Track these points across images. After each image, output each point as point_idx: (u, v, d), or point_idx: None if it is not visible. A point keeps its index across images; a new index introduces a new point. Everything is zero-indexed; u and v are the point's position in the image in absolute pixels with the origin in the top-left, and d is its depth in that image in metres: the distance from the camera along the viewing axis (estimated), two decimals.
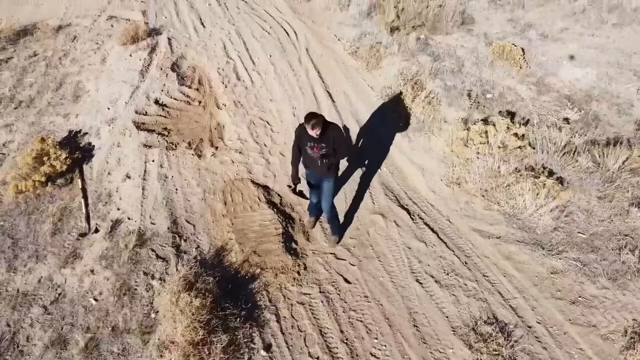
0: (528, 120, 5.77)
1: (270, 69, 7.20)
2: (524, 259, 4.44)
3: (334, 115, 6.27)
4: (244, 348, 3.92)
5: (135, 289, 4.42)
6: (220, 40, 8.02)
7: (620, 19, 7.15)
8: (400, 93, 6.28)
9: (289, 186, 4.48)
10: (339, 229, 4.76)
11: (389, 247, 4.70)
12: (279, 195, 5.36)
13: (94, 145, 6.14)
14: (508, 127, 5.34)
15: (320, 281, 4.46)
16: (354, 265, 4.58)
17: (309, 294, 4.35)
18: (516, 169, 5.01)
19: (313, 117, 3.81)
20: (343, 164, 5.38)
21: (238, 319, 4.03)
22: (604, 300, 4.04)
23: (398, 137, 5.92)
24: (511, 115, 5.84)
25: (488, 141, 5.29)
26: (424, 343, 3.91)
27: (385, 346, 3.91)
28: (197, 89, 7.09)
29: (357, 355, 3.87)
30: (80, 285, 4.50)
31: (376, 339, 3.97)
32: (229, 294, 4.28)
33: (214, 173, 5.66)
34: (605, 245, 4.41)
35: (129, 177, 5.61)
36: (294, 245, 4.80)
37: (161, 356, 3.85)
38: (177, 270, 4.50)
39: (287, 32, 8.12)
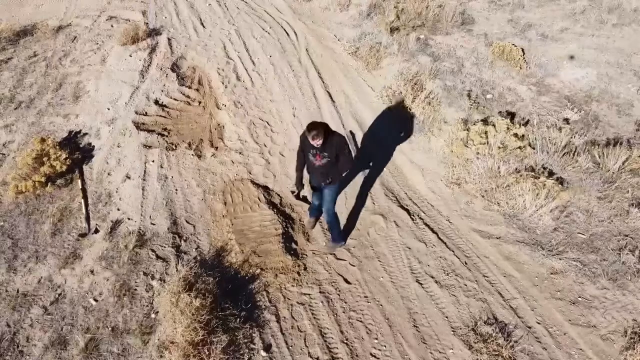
0: (528, 120, 5.77)
1: (270, 69, 7.20)
2: (524, 260, 4.44)
3: (334, 116, 6.28)
4: (244, 348, 3.92)
5: (135, 290, 4.42)
6: (220, 40, 8.02)
7: (620, 19, 7.15)
8: (400, 93, 6.28)
9: (293, 192, 4.47)
10: (340, 237, 4.71)
11: (389, 247, 4.70)
12: (278, 195, 5.36)
13: (93, 146, 6.14)
14: (508, 128, 5.34)
15: (320, 281, 4.46)
16: (354, 265, 4.58)
17: (309, 295, 4.35)
18: (516, 169, 5.01)
19: (314, 128, 3.79)
20: None
21: (238, 320, 4.03)
22: (604, 301, 4.04)
23: (398, 137, 5.91)
24: (511, 115, 5.84)
25: (488, 142, 5.30)
26: (424, 343, 3.91)
27: (385, 346, 3.91)
28: (197, 90, 7.09)
29: (357, 355, 3.87)
30: (80, 285, 4.50)
31: (376, 339, 3.97)
32: (229, 294, 4.28)
33: (214, 173, 5.66)
34: (605, 246, 4.41)
35: (129, 178, 5.61)
36: (294, 245, 4.80)
37: (161, 356, 3.85)
38: (177, 270, 4.50)
39: (287, 33, 8.13)
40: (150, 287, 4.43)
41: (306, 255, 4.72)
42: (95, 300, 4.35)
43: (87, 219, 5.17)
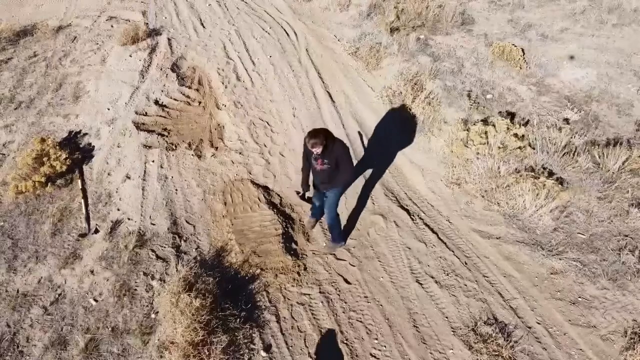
0: (528, 120, 5.77)
1: (270, 70, 7.20)
2: (524, 260, 4.44)
3: (334, 116, 6.28)
4: (244, 349, 3.92)
5: (135, 290, 4.42)
6: (220, 40, 8.02)
7: (620, 19, 7.15)
8: (400, 93, 6.28)
9: (297, 192, 4.47)
10: (340, 237, 4.71)
11: (389, 247, 4.70)
12: (279, 195, 5.36)
13: (93, 146, 6.14)
14: (508, 128, 5.34)
15: (320, 282, 4.46)
16: (354, 265, 4.58)
17: (309, 295, 4.35)
18: (516, 169, 5.01)
19: (313, 137, 3.79)
20: None
21: (238, 320, 4.03)
22: (603, 301, 4.04)
23: (398, 137, 5.92)
24: (511, 115, 5.84)
25: (488, 142, 5.30)
26: (424, 343, 3.91)
27: (385, 347, 3.91)
28: (197, 90, 7.09)
29: (357, 355, 3.87)
30: (80, 285, 4.50)
31: (376, 339, 3.97)
32: (229, 294, 4.28)
33: (214, 174, 5.66)
34: (605, 246, 4.41)
35: (129, 178, 5.61)
36: (294, 245, 4.80)
37: (161, 357, 3.85)
38: (177, 270, 4.50)
39: (287, 33, 8.13)
40: (150, 287, 4.43)
41: (306, 255, 4.72)
42: (95, 301, 4.35)
43: (87, 219, 5.17)
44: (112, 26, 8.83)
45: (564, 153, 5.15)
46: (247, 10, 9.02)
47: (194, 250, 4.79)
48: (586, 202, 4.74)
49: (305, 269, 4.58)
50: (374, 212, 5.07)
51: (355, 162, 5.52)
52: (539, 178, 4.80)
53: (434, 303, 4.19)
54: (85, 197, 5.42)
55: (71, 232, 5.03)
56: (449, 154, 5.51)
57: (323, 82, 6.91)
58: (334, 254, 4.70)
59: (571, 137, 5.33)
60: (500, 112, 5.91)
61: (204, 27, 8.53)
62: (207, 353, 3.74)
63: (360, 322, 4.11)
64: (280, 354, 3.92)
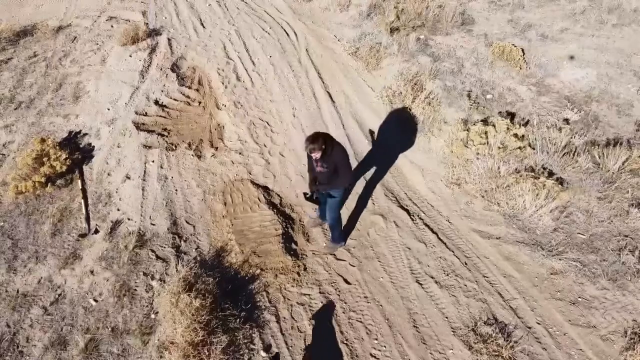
0: (528, 120, 5.77)
1: (270, 70, 7.20)
2: (524, 260, 4.44)
3: (334, 116, 6.28)
4: (244, 349, 3.92)
5: (135, 290, 4.42)
6: (220, 40, 8.02)
7: (620, 19, 7.15)
8: (400, 94, 6.28)
9: (305, 194, 4.46)
10: (340, 237, 4.71)
11: (388, 247, 4.70)
12: (278, 195, 5.36)
13: (93, 146, 6.14)
14: (508, 128, 5.34)
15: (320, 282, 4.46)
16: (353, 266, 4.58)
17: (309, 295, 4.35)
18: (516, 169, 5.01)
19: (311, 142, 3.81)
20: None
21: (238, 320, 4.03)
22: (603, 301, 4.04)
23: (398, 137, 5.91)
24: (511, 115, 5.84)
25: (488, 142, 5.30)
26: (424, 344, 3.91)
27: (385, 347, 3.91)
28: (197, 90, 7.09)
29: (357, 356, 3.87)
30: (80, 286, 4.50)
31: (376, 339, 3.97)
32: (228, 294, 4.28)
33: (214, 174, 5.66)
34: (605, 246, 4.41)
35: (129, 178, 5.61)
36: (293, 246, 4.80)
37: (161, 357, 3.85)
38: (177, 271, 4.50)
39: (287, 33, 8.13)
40: (150, 287, 4.43)
41: (306, 255, 4.72)
42: (95, 301, 4.35)
43: (87, 219, 5.17)
44: (112, 26, 8.83)
45: (564, 153, 5.15)
46: (247, 10, 9.02)
47: (193, 250, 4.79)
48: (586, 202, 4.74)
49: (305, 269, 4.58)
50: (374, 212, 5.06)
51: (356, 162, 5.53)
52: (539, 178, 4.80)
53: (434, 303, 4.19)
54: (85, 197, 5.42)
55: (71, 233, 5.03)
56: (449, 154, 5.51)
57: (323, 82, 6.91)
58: (334, 254, 4.70)
59: (571, 137, 5.33)
60: (500, 112, 5.91)
61: (204, 27, 8.53)
62: (207, 353, 3.74)
63: (360, 322, 4.11)
64: (280, 354, 3.92)
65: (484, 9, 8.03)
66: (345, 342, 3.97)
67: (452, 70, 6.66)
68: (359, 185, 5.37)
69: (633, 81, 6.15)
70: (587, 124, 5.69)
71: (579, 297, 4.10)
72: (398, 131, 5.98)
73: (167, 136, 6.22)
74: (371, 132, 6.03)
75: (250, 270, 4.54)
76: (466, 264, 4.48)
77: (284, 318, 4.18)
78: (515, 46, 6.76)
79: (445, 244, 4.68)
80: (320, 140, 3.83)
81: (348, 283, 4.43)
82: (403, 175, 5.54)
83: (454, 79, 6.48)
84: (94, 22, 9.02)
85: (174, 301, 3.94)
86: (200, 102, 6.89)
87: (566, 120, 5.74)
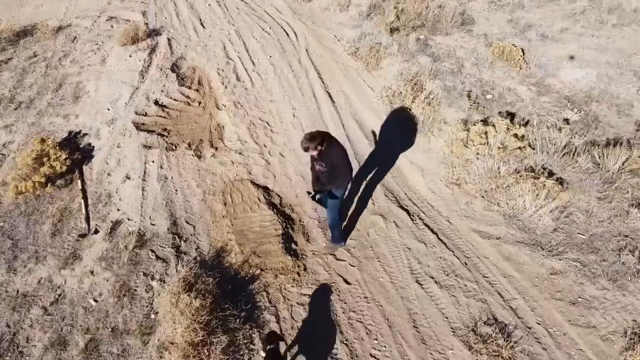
0: (528, 121, 5.77)
1: (270, 70, 7.20)
2: (524, 260, 4.44)
3: (334, 116, 6.28)
4: (244, 349, 3.92)
5: (135, 290, 4.42)
6: (220, 41, 8.02)
7: (620, 19, 7.15)
8: (400, 94, 6.28)
9: (309, 192, 4.46)
10: (340, 237, 4.71)
11: (388, 248, 4.70)
12: (278, 196, 5.36)
13: (93, 146, 6.14)
14: (508, 128, 5.34)
15: (320, 282, 4.45)
16: (353, 266, 4.57)
17: (309, 295, 4.35)
18: (516, 169, 5.01)
19: (306, 141, 3.83)
20: None
21: (238, 320, 4.03)
22: (603, 301, 4.04)
23: (398, 137, 5.91)
24: (511, 116, 5.84)
25: (488, 142, 5.29)
26: (424, 344, 3.91)
27: (385, 347, 3.91)
28: (197, 90, 7.09)
29: (356, 356, 3.87)
30: (80, 286, 4.50)
31: (376, 339, 3.97)
32: (228, 295, 4.28)
33: (214, 174, 5.66)
34: (605, 246, 4.41)
35: (129, 178, 5.61)
36: (293, 246, 4.80)
37: (161, 357, 3.85)
38: (176, 271, 4.50)
39: (287, 33, 8.13)
40: (150, 287, 4.43)
41: (306, 255, 4.72)
42: (95, 301, 4.35)
43: (87, 219, 5.17)
44: (112, 26, 8.83)
45: (564, 153, 5.15)
46: (247, 10, 9.02)
47: (193, 250, 4.79)
48: (586, 202, 4.74)
49: (305, 269, 4.57)
50: (374, 213, 5.06)
51: (356, 162, 5.53)
52: (539, 178, 4.80)
53: (434, 303, 4.19)
54: (85, 198, 5.42)
55: (71, 233, 5.03)
56: (449, 154, 5.51)
57: (323, 83, 6.91)
58: (334, 255, 4.70)
59: (571, 138, 5.33)
60: (500, 112, 5.91)
61: (203, 27, 8.53)
62: (207, 353, 3.75)
63: (360, 322, 4.11)
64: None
65: (484, 9, 8.03)
66: (345, 342, 3.97)
67: (452, 71, 6.66)
68: (359, 185, 5.37)
69: (633, 81, 6.15)
70: (587, 124, 5.69)
71: (579, 297, 4.10)
72: (398, 131, 5.98)
73: (167, 136, 6.22)
74: (373, 133, 6.03)
75: (250, 271, 4.54)
76: (466, 264, 4.48)
77: (284, 318, 4.17)
78: (515, 46, 6.76)
79: (445, 244, 4.68)
80: (317, 139, 3.82)
81: (348, 283, 4.43)
82: (403, 175, 5.54)
83: (454, 79, 6.48)
84: (94, 22, 9.02)
85: (174, 301, 3.94)
86: (200, 102, 6.89)
87: (566, 120, 5.74)
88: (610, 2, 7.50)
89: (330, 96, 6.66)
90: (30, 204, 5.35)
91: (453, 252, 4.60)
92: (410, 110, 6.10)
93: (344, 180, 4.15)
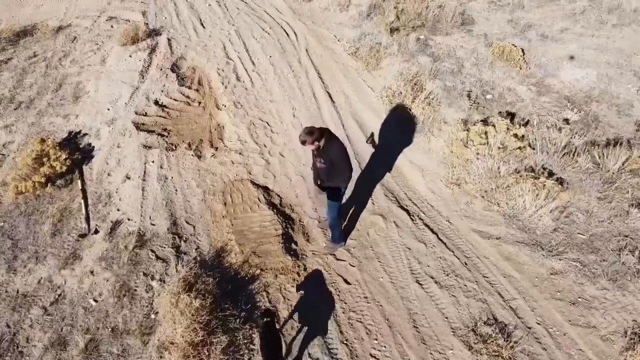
0: (528, 121, 5.77)
1: (270, 70, 7.20)
2: (524, 260, 4.44)
3: (334, 116, 6.28)
4: (244, 349, 3.92)
5: (135, 290, 4.42)
6: (220, 41, 8.02)
7: (620, 19, 7.15)
8: (400, 94, 6.28)
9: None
10: (340, 237, 4.71)
11: (388, 248, 4.70)
12: (278, 196, 5.36)
13: (93, 146, 6.14)
14: (508, 128, 5.34)
15: (320, 282, 4.45)
16: (353, 266, 4.57)
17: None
18: (516, 169, 5.01)
19: (304, 135, 3.83)
20: None
21: (238, 320, 4.03)
22: (603, 301, 4.04)
23: (398, 137, 5.91)
24: (511, 116, 5.84)
25: (488, 142, 5.29)
26: (424, 344, 3.91)
27: (385, 347, 3.91)
28: (197, 90, 7.09)
29: (356, 356, 3.87)
30: (80, 286, 4.50)
31: (376, 339, 3.97)
32: (228, 295, 4.28)
33: (214, 174, 5.66)
34: (605, 246, 4.41)
35: (129, 178, 5.61)
36: (293, 246, 4.80)
37: (161, 357, 3.85)
38: (176, 271, 4.50)
39: (287, 33, 8.13)
40: (150, 287, 4.43)
41: (306, 255, 4.72)
42: (95, 301, 4.35)
43: (87, 219, 5.17)
44: (112, 26, 8.83)
45: (564, 153, 5.15)
46: (247, 10, 9.02)
47: (193, 250, 4.79)
48: (586, 202, 4.74)
49: (305, 269, 4.57)
50: (374, 213, 5.06)
51: (356, 162, 5.53)
52: (539, 178, 4.80)
53: (434, 303, 4.19)
54: (85, 198, 5.42)
55: (71, 233, 5.03)
56: (448, 154, 5.51)
57: (323, 83, 6.91)
58: (334, 255, 4.70)
59: (571, 138, 5.33)
60: (500, 112, 5.91)
61: (203, 27, 8.53)
62: (207, 353, 3.74)
63: (360, 322, 4.11)
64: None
65: (484, 9, 8.03)
66: (345, 342, 3.97)
67: (452, 71, 6.66)
68: (359, 185, 5.37)
69: (633, 81, 6.15)
70: (587, 124, 5.69)
71: (579, 297, 4.10)
72: (398, 131, 5.98)
73: (167, 136, 6.22)
74: (372, 139, 5.92)
75: (250, 271, 4.54)
76: (466, 264, 4.48)
77: (284, 318, 4.17)
78: (515, 46, 6.76)
79: (445, 244, 4.68)
80: (315, 134, 3.82)
81: (348, 283, 4.42)
82: (403, 175, 5.54)
83: (454, 79, 6.48)
84: (94, 22, 9.02)
85: (174, 301, 3.94)
86: (200, 102, 6.88)
87: (566, 120, 5.74)
88: (610, 2, 7.50)
89: (330, 96, 6.66)
90: (30, 204, 5.35)
91: (453, 252, 4.60)
92: (410, 110, 6.10)
93: (343, 178, 4.14)
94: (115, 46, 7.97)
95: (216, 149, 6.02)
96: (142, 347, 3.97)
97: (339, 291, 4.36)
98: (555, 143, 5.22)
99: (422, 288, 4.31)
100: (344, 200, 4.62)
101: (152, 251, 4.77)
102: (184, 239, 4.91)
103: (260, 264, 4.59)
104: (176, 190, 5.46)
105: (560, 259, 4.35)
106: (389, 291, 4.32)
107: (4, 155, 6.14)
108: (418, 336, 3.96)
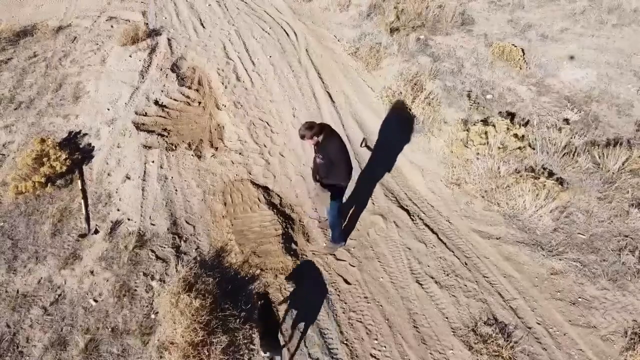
0: (528, 121, 5.77)
1: (270, 70, 7.20)
2: (524, 260, 4.44)
3: (334, 116, 6.28)
4: (244, 349, 3.92)
5: (135, 290, 4.42)
6: (220, 41, 8.02)
7: (620, 19, 7.15)
8: (400, 94, 6.28)
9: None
10: (340, 237, 4.70)
11: (388, 248, 4.70)
12: (278, 196, 5.36)
13: (93, 146, 6.14)
14: (508, 128, 5.34)
15: (320, 282, 4.45)
16: (353, 266, 4.57)
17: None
18: (516, 169, 5.01)
19: (302, 128, 3.83)
20: None
21: (238, 320, 4.03)
22: (604, 301, 4.04)
23: (398, 137, 5.91)
24: (511, 116, 5.84)
25: (488, 142, 5.29)
26: (424, 344, 3.91)
27: (385, 347, 3.91)
28: (197, 90, 7.09)
29: (356, 356, 3.87)
30: (80, 286, 4.50)
31: (376, 339, 3.97)
32: (228, 295, 4.27)
33: (214, 174, 5.66)
34: (605, 246, 4.41)
35: (129, 178, 5.61)
36: (293, 246, 4.80)
37: (161, 357, 3.85)
38: (176, 271, 4.50)
39: (287, 33, 8.13)
40: (150, 287, 4.43)
41: (306, 255, 4.71)
42: (95, 301, 4.35)
43: (87, 219, 5.17)
44: (112, 26, 8.83)
45: (564, 153, 5.15)
46: (247, 10, 9.02)
47: (193, 250, 4.79)
48: (586, 202, 4.74)
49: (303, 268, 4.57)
50: (374, 212, 5.06)
51: (356, 162, 5.52)
52: (539, 178, 4.80)
53: (434, 303, 4.18)
54: (85, 198, 5.42)
55: (71, 233, 5.03)
56: (448, 154, 5.51)
57: (323, 83, 6.91)
58: (334, 255, 4.70)
59: (571, 138, 5.33)
60: (500, 112, 5.91)
61: (203, 27, 8.53)
62: (207, 353, 3.74)
63: (360, 322, 4.10)
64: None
65: (484, 9, 8.03)
66: (345, 342, 3.97)
67: (452, 71, 6.66)
68: (359, 185, 5.36)
69: (633, 81, 6.15)
70: (587, 124, 5.69)
71: (579, 297, 4.10)
72: (398, 131, 5.97)
73: (167, 136, 6.22)
74: (364, 140, 5.81)
75: (250, 271, 4.54)
76: (466, 264, 4.48)
77: (284, 318, 4.17)
78: (515, 46, 6.76)
79: (445, 244, 4.68)
80: (314, 129, 3.81)
81: (348, 283, 4.42)
82: (403, 175, 5.54)
83: (454, 79, 6.48)
84: (94, 22, 9.02)
85: (174, 301, 3.93)
86: (200, 102, 6.89)
87: (566, 120, 5.74)
88: (610, 2, 7.50)
89: (330, 96, 6.66)
90: (30, 204, 5.35)
91: (453, 252, 4.60)
92: (410, 110, 6.10)
93: (341, 176, 4.13)
94: (115, 46, 7.97)
95: (216, 149, 6.02)
96: (142, 347, 3.97)
97: (339, 291, 4.36)
98: (555, 143, 5.22)
99: (422, 288, 4.31)
100: (344, 200, 4.62)
101: (152, 251, 4.77)
102: (184, 239, 4.91)
103: (260, 264, 4.59)
104: (176, 190, 5.46)
105: (560, 259, 4.35)
106: (389, 291, 4.32)
107: (4, 155, 6.14)
108: (418, 336, 3.96)
